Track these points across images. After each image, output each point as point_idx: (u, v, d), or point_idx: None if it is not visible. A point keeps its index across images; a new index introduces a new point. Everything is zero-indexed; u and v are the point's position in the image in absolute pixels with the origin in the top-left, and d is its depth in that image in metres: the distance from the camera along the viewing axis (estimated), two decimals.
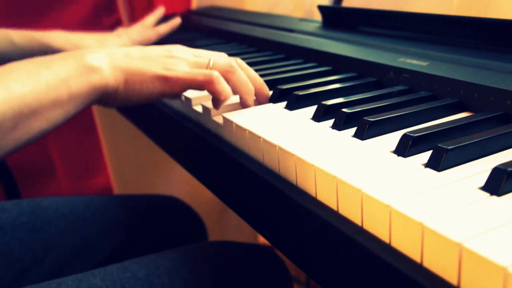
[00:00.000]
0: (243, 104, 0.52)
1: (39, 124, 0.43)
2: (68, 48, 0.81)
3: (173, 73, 0.48)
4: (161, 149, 0.74)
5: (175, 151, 0.68)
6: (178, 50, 0.51)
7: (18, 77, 0.41)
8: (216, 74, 0.48)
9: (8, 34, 0.78)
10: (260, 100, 0.54)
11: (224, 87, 0.48)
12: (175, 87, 0.49)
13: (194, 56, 0.52)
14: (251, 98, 0.52)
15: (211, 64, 0.50)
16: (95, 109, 1.21)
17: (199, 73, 0.48)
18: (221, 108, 0.50)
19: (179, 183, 1.30)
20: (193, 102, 0.56)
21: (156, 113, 0.67)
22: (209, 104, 0.52)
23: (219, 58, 0.51)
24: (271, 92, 0.55)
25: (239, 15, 1.02)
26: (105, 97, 0.47)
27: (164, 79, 0.48)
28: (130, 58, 0.48)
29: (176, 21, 0.97)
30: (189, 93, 0.57)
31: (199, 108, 0.54)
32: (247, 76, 0.51)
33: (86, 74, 0.45)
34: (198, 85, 0.48)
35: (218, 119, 0.51)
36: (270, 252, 0.62)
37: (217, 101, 0.49)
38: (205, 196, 0.91)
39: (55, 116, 0.44)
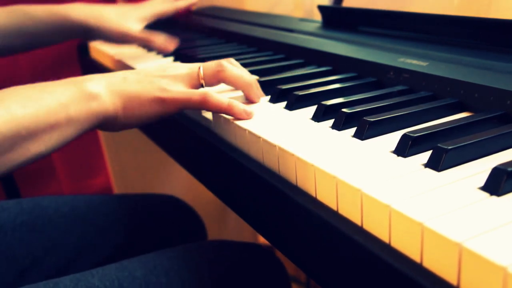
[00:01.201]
0: (247, 98, 0.53)
1: (36, 147, 0.43)
2: (87, 19, 0.81)
3: (169, 94, 0.49)
4: (161, 149, 0.74)
5: (174, 151, 0.68)
6: (171, 68, 0.52)
7: (19, 100, 0.42)
8: (208, 94, 0.48)
9: (26, 10, 0.78)
10: (249, 99, 0.54)
11: (217, 101, 0.48)
12: (171, 108, 0.50)
13: (188, 69, 0.52)
14: (252, 89, 0.52)
15: (201, 72, 0.51)
16: None
17: (194, 94, 0.49)
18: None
19: (179, 183, 1.30)
20: None
21: None
22: None
23: (209, 63, 0.52)
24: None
25: (239, 15, 1.02)
26: (105, 123, 0.49)
27: (161, 101, 0.49)
28: (127, 83, 0.49)
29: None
30: None
31: None
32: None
33: (86, 101, 0.46)
34: (194, 106, 0.49)
35: (218, 119, 0.51)
36: (268, 252, 0.62)
37: (218, 115, 0.50)
38: (205, 196, 0.91)
39: (53, 139, 0.44)
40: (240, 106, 0.48)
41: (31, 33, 0.79)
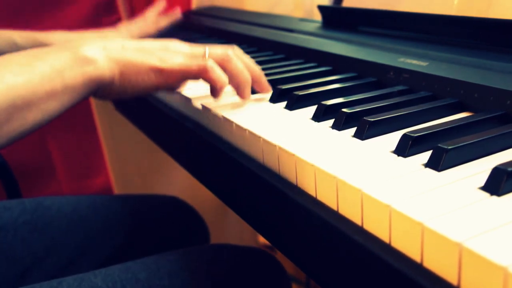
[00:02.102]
0: (239, 94, 0.52)
1: (33, 116, 0.42)
2: None
3: (168, 65, 0.48)
4: (161, 149, 0.74)
5: (174, 151, 0.68)
6: (174, 44, 0.51)
7: (12, 69, 0.41)
8: (210, 63, 0.48)
9: (10, 35, 0.79)
10: (258, 90, 0.54)
11: (218, 74, 0.48)
12: (170, 79, 0.49)
13: (191, 49, 0.51)
14: (247, 87, 0.51)
15: (207, 54, 0.50)
16: (95, 109, 1.21)
17: (193, 63, 0.48)
18: (223, 106, 0.50)
19: (179, 183, 1.30)
20: (193, 102, 0.56)
21: (156, 113, 0.67)
22: (208, 103, 0.52)
23: (215, 48, 0.51)
24: (271, 92, 0.55)
25: (239, 15, 1.02)
26: (100, 89, 0.47)
27: (159, 71, 0.48)
28: (125, 50, 0.48)
29: (177, 15, 0.97)
30: (189, 93, 0.57)
31: (198, 108, 0.54)
32: (245, 64, 0.51)
33: (81, 66, 0.45)
34: (193, 75, 0.48)
35: (218, 118, 0.51)
36: (269, 255, 0.62)
37: (214, 90, 0.50)
38: (205, 196, 0.91)
39: (50, 107, 0.43)
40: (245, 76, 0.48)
41: None
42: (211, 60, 0.48)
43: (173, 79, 0.49)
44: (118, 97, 0.50)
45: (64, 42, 0.82)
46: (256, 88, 0.53)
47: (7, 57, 0.43)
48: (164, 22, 0.96)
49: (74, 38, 0.84)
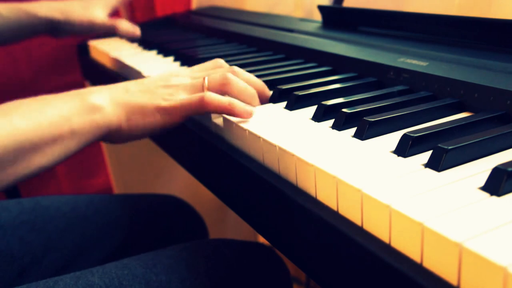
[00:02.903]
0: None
1: (39, 160, 0.44)
2: (53, 14, 0.85)
3: (172, 103, 0.49)
4: (161, 149, 0.74)
5: (174, 151, 0.68)
6: (175, 78, 0.52)
7: (21, 113, 0.43)
8: (207, 95, 0.48)
9: None
10: (261, 101, 0.54)
11: (218, 101, 0.48)
12: (175, 117, 0.50)
13: (192, 79, 0.53)
14: (255, 102, 0.52)
15: (206, 83, 0.51)
16: None
17: (193, 98, 0.49)
18: None
19: (179, 183, 1.30)
20: None
21: None
22: None
23: (214, 74, 0.52)
24: (271, 92, 0.55)
25: (239, 15, 1.02)
26: (109, 135, 0.49)
27: (164, 110, 0.49)
28: (130, 94, 0.49)
29: (136, 31, 0.95)
30: None
31: None
32: (246, 81, 0.52)
33: (88, 113, 0.46)
34: (195, 109, 0.49)
35: (218, 119, 0.51)
36: (269, 250, 0.62)
37: (218, 115, 0.51)
38: (205, 195, 0.91)
39: (56, 152, 0.45)
40: (240, 105, 0.48)
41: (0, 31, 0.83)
42: (208, 93, 0.49)
43: (178, 116, 0.50)
44: (128, 141, 0.51)
45: (50, 9, 0.87)
46: (261, 101, 0.54)
47: (17, 102, 0.45)
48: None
49: (56, 6, 0.87)
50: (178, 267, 0.54)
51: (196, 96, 0.49)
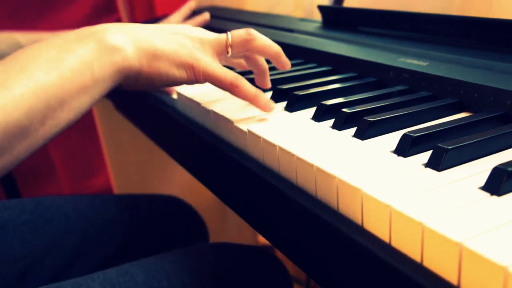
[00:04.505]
0: (280, 66, 0.52)
1: (66, 115, 0.40)
2: None
3: (200, 64, 0.46)
4: (161, 149, 0.74)
5: (174, 151, 0.68)
6: (197, 30, 0.49)
7: (42, 66, 0.38)
8: (240, 80, 0.47)
9: (14, 37, 0.77)
10: (280, 66, 0.53)
11: (247, 89, 0.47)
12: (200, 79, 0.47)
13: (215, 36, 0.50)
14: (282, 58, 0.51)
15: (230, 39, 0.49)
16: (95, 109, 1.21)
17: (228, 74, 0.47)
18: (223, 107, 0.50)
19: (179, 183, 1.30)
20: (193, 102, 0.56)
21: (155, 112, 0.67)
22: (209, 104, 0.52)
23: (237, 30, 0.50)
24: (271, 93, 0.55)
25: (239, 15, 1.02)
26: (128, 78, 0.45)
27: (191, 67, 0.46)
28: (154, 38, 0.45)
29: (205, 17, 0.92)
30: (188, 93, 0.57)
31: (198, 108, 0.54)
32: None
33: (109, 55, 0.42)
34: (222, 85, 0.47)
35: (218, 119, 0.51)
36: (270, 254, 0.62)
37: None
38: (205, 195, 0.91)
39: (82, 104, 0.41)
40: (265, 97, 0.47)
41: None
42: (241, 78, 0.47)
43: (202, 79, 0.47)
44: (144, 88, 0.47)
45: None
46: (278, 65, 0.53)
47: (30, 51, 0.40)
48: (191, 24, 0.91)
49: None
50: (179, 273, 0.54)
51: (231, 74, 0.47)
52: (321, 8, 0.80)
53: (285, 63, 0.53)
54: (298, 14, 1.07)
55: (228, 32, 0.49)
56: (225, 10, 1.13)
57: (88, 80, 0.41)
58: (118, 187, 1.29)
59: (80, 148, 1.27)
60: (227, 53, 0.50)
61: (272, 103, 0.48)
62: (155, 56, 0.45)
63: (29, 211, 0.69)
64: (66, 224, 0.70)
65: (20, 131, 0.37)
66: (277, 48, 0.51)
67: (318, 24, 0.80)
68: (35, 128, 0.38)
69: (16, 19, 1.05)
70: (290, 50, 0.71)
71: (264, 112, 0.49)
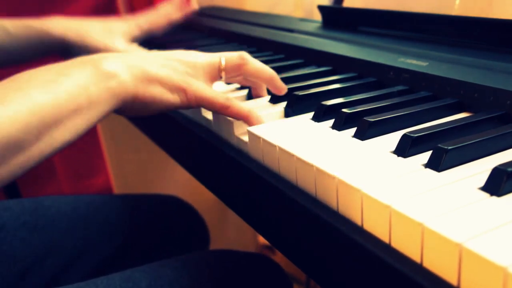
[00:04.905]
0: (273, 90, 0.52)
1: (62, 134, 0.41)
2: (68, 35, 0.77)
3: (193, 88, 0.47)
4: (161, 149, 0.74)
5: (174, 151, 0.68)
6: (191, 55, 0.50)
7: (38, 86, 0.40)
8: (233, 100, 0.47)
9: (2, 24, 0.75)
10: (275, 91, 0.53)
11: (239, 109, 0.47)
12: (190, 102, 0.48)
13: (208, 57, 0.51)
14: (277, 82, 0.51)
15: (223, 63, 0.50)
16: None
17: (218, 97, 0.47)
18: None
19: (179, 183, 1.30)
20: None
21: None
22: None
23: (229, 54, 0.51)
24: (282, 85, 0.55)
25: (239, 15, 1.02)
26: (124, 104, 0.46)
27: (183, 92, 0.47)
28: (148, 64, 0.47)
29: (192, 7, 0.92)
30: None
31: (198, 108, 0.54)
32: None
33: (105, 80, 0.44)
34: (214, 108, 0.48)
35: (218, 119, 0.51)
36: (270, 261, 0.62)
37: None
38: (205, 196, 0.91)
39: (77, 125, 0.42)
40: (257, 115, 0.47)
41: (7, 50, 0.75)
42: (233, 100, 0.47)
43: (194, 103, 0.48)
44: (138, 115, 0.48)
45: (66, 29, 0.76)
46: (273, 90, 0.53)
47: (28, 74, 0.42)
48: (177, 14, 0.92)
49: (74, 26, 0.79)
50: (181, 279, 0.54)
51: (222, 97, 0.47)
52: (321, 8, 0.80)
53: (280, 87, 0.52)
54: (298, 14, 1.07)
55: (222, 56, 0.50)
56: (225, 10, 1.13)
57: (83, 103, 0.42)
58: (118, 187, 1.29)
59: (80, 148, 1.27)
60: (220, 77, 0.51)
61: (261, 118, 0.48)
62: (149, 81, 0.46)
63: (29, 211, 0.69)
64: (66, 224, 0.70)
65: (15, 145, 0.38)
66: (270, 73, 0.51)
67: (318, 24, 0.80)
68: (30, 144, 0.39)
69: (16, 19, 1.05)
70: (290, 50, 0.71)
71: (264, 112, 0.49)
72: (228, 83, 0.61)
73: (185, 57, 0.49)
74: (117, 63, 0.45)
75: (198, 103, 0.48)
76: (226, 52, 0.52)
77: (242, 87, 0.60)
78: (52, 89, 0.40)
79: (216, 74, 0.50)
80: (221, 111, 0.48)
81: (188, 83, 0.47)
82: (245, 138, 0.46)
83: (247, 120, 0.47)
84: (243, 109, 0.47)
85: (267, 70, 0.51)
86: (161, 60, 0.48)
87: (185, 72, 0.48)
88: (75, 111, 0.42)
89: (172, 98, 0.47)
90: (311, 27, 0.79)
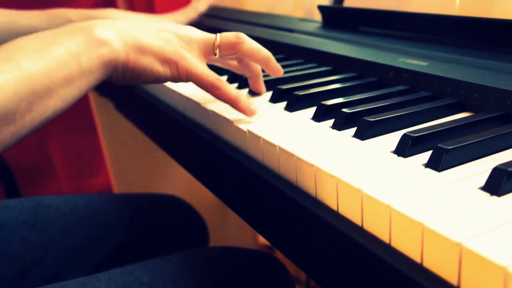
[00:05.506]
0: (270, 71, 0.52)
1: (53, 103, 0.41)
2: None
3: (185, 62, 0.47)
4: (161, 149, 0.74)
5: (174, 151, 0.68)
6: (186, 28, 0.50)
7: (28, 55, 0.39)
8: (223, 81, 0.47)
9: (66, 14, 0.77)
10: (271, 73, 0.53)
11: (227, 91, 0.47)
12: (183, 77, 0.47)
13: (203, 35, 0.50)
14: (272, 63, 0.51)
15: (218, 40, 0.49)
16: (95, 109, 1.21)
17: (210, 75, 0.47)
18: (223, 107, 0.50)
19: (179, 182, 1.30)
20: (192, 102, 0.56)
21: (155, 112, 0.67)
22: (208, 104, 0.52)
23: (227, 32, 0.50)
24: (271, 92, 0.55)
25: (239, 15, 1.02)
26: (114, 72, 0.45)
27: (175, 65, 0.47)
28: (141, 33, 0.46)
29: (197, 8, 0.94)
30: (187, 93, 0.57)
31: (198, 108, 0.54)
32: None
33: (96, 48, 0.43)
34: (204, 86, 0.47)
35: (218, 118, 0.51)
36: (273, 258, 0.62)
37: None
38: (205, 195, 0.91)
39: (69, 93, 0.42)
40: (246, 101, 0.47)
41: None
42: (223, 81, 0.47)
43: (185, 78, 0.47)
44: (128, 83, 0.48)
45: (73, 24, 0.79)
46: (268, 71, 0.53)
47: (18, 42, 0.41)
48: (203, 6, 0.94)
49: (129, 19, 0.82)
50: (183, 274, 0.54)
51: (213, 75, 0.47)
52: (321, 8, 0.80)
53: (276, 68, 0.52)
54: (298, 14, 1.07)
55: (218, 33, 0.49)
56: (225, 10, 1.13)
57: (75, 71, 0.41)
58: (118, 187, 1.29)
59: (80, 148, 1.27)
60: (215, 54, 0.50)
61: (254, 106, 0.47)
62: (141, 50, 0.45)
63: (28, 210, 0.69)
64: (66, 223, 0.70)
65: (6, 115, 0.37)
66: (266, 53, 0.51)
67: (318, 24, 0.80)
68: (21, 114, 0.38)
69: None
70: (290, 50, 0.71)
71: (263, 112, 0.49)
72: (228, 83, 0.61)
73: (180, 30, 0.49)
74: (110, 31, 0.44)
75: (189, 78, 0.47)
76: (226, 32, 0.51)
77: (241, 86, 0.60)
78: (43, 58, 0.40)
79: (210, 51, 0.50)
80: (210, 90, 0.47)
81: (181, 57, 0.47)
82: (244, 137, 0.46)
83: (235, 105, 0.47)
84: (231, 92, 0.47)
85: (262, 50, 0.50)
86: (155, 30, 0.48)
87: (178, 45, 0.47)
88: (67, 79, 0.41)
89: (163, 70, 0.47)
90: (311, 27, 0.79)
